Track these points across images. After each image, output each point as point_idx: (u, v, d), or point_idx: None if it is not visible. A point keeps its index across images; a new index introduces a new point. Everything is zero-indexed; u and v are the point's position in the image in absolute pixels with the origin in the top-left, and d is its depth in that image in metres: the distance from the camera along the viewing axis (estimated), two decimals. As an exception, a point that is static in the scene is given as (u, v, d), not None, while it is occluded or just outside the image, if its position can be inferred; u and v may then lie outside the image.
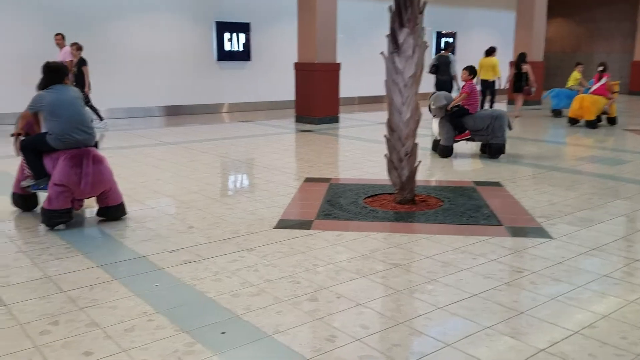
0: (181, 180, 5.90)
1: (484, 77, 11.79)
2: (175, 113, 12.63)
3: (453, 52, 11.51)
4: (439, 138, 7.39)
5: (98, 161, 4.39)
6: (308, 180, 5.97)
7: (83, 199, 4.46)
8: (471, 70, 7.53)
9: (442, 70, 11.08)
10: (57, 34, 10.00)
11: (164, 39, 12.34)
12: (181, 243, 3.92)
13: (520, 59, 11.97)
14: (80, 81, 9.67)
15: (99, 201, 4.46)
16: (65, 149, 4.31)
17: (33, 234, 4.12)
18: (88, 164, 4.29)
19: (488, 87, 11.96)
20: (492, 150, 7.25)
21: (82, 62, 9.79)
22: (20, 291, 3.11)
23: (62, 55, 9.75)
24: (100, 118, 10.22)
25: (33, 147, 4.43)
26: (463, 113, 7.22)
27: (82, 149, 4.35)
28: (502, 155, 7.25)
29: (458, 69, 9.99)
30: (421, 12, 4.70)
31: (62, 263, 3.53)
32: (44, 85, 4.45)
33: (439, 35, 17.85)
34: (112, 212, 4.47)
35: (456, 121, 7.21)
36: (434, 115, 7.31)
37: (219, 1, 13.04)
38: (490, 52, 11.84)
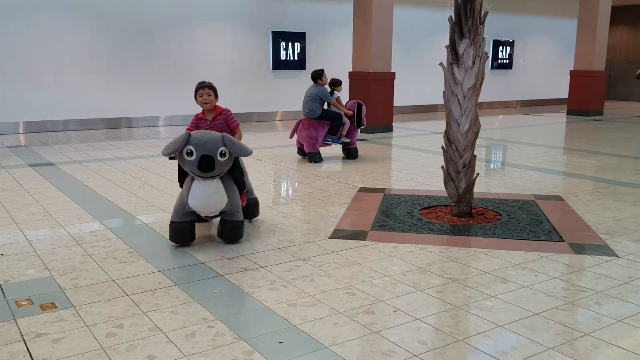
0: (237, 187, 5.99)
1: None
2: (230, 120, 12.88)
3: None
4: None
5: (302, 126, 7.73)
6: (362, 190, 5.96)
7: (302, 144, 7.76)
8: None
9: None
10: None
11: (221, 48, 12.63)
12: (239, 250, 3.99)
13: None
14: None
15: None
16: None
17: (98, 237, 4.29)
18: (298, 125, 7.80)
19: None
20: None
21: None
22: (88, 293, 3.23)
23: None
24: None
25: None
26: None
27: (304, 119, 7.77)
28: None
29: None
30: (482, 23, 4.63)
31: (126, 267, 3.65)
32: None
33: (497, 43, 17.52)
34: (306, 155, 7.73)
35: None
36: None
37: (276, 11, 13.25)
38: None
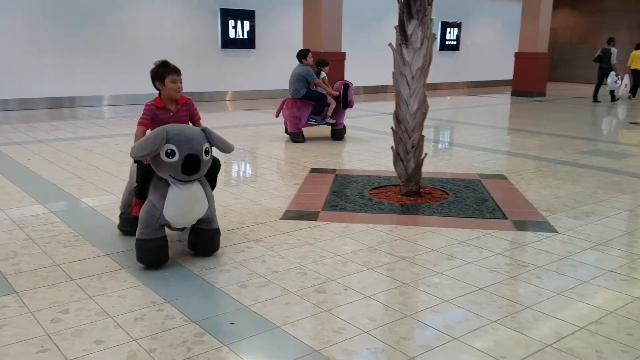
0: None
1: (634, 67, 14.06)
2: (179, 100, 12.62)
3: (614, 45, 13.94)
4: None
5: (287, 105, 7.71)
6: (314, 170, 5.98)
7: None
8: None
9: (604, 61, 13.69)
10: None
11: (169, 26, 12.31)
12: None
13: None
14: None
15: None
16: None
17: (40, 221, 4.15)
18: (283, 104, 7.80)
19: (637, 76, 14.31)
20: None
21: None
22: (31, 278, 3.13)
23: None
24: None
25: None
26: None
27: (288, 98, 7.77)
28: (504, 149, 7.22)
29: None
30: (430, 4, 4.68)
31: (71, 251, 3.55)
32: None
33: (445, 25, 17.75)
34: (288, 134, 7.81)
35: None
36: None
37: (224, -12, 12.98)
38: None
